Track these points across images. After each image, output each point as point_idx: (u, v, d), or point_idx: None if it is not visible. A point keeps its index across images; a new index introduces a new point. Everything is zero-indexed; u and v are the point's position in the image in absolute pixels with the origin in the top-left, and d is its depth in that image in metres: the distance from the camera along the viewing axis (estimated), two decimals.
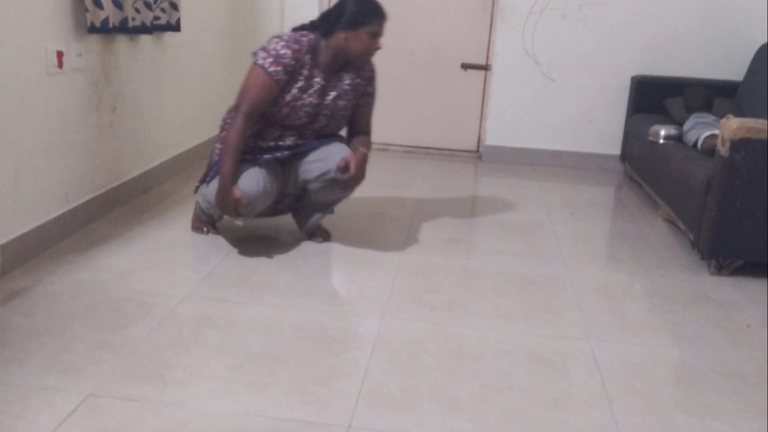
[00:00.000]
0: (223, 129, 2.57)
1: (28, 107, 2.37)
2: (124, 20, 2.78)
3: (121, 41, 2.95)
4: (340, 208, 3.30)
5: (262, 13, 4.29)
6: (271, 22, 4.30)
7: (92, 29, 2.61)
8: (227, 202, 2.41)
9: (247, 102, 2.41)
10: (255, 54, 2.47)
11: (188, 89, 3.72)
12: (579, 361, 1.99)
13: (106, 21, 2.63)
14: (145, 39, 3.15)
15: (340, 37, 2.44)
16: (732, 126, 2.51)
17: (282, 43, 2.42)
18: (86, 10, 2.58)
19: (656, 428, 1.69)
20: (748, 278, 2.67)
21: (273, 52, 2.41)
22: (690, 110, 3.40)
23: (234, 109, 2.46)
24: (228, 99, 4.35)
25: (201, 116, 3.96)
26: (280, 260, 2.59)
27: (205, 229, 2.78)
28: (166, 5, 3.21)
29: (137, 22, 2.93)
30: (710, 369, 1.98)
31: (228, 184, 2.39)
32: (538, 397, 1.79)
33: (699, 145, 3.08)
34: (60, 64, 2.52)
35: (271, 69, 2.40)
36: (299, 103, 2.47)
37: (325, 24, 2.47)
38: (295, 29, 2.55)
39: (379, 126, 4.58)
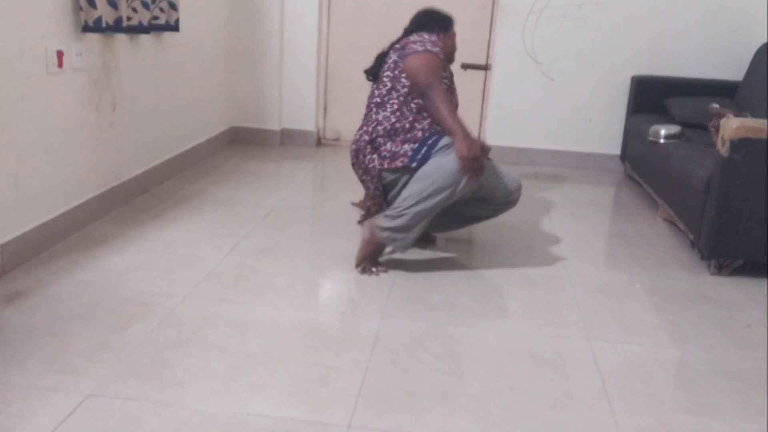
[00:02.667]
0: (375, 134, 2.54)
1: (28, 107, 2.37)
2: (119, 19, 2.77)
3: (121, 41, 2.95)
4: (341, 207, 3.31)
5: (261, 13, 4.29)
6: (270, 22, 4.30)
7: (86, 28, 2.61)
8: (476, 149, 2.26)
9: (437, 78, 2.42)
10: (411, 47, 2.52)
11: (188, 89, 3.72)
12: (579, 361, 1.99)
13: (99, 20, 2.63)
14: (145, 38, 3.15)
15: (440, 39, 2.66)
16: (732, 126, 2.51)
17: (432, 40, 2.57)
18: (80, 9, 2.58)
19: (656, 428, 1.69)
20: (748, 278, 2.67)
21: (433, 45, 2.52)
22: None
23: (422, 90, 2.41)
24: (228, 98, 4.38)
25: (201, 116, 3.96)
26: (280, 260, 2.59)
27: (374, 269, 2.50)
28: (164, 5, 3.21)
29: (134, 22, 2.92)
30: (710, 369, 1.98)
31: (470, 134, 2.31)
32: (538, 397, 1.79)
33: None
34: (60, 64, 2.52)
35: (442, 56, 2.53)
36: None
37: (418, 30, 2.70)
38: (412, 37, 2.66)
39: None
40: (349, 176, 3.94)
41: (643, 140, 3.59)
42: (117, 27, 2.78)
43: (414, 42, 2.54)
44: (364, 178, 2.61)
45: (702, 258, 2.77)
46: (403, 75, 2.50)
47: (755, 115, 3.36)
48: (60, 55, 2.51)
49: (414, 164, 2.40)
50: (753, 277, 2.68)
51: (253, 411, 1.65)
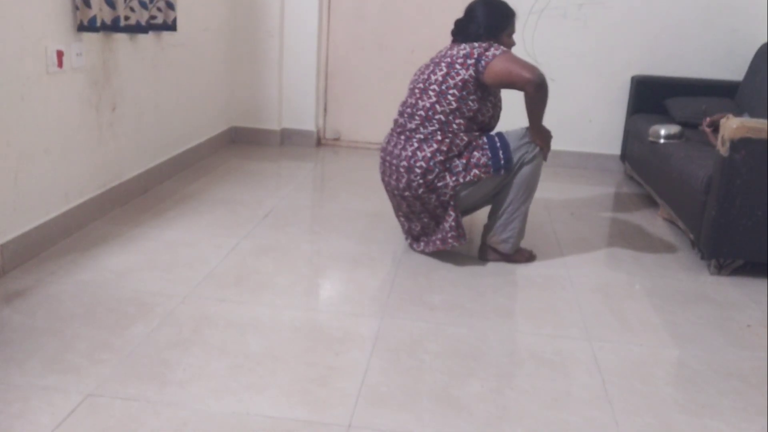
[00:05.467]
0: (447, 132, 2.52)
1: (28, 107, 2.37)
2: (116, 19, 2.77)
3: (121, 41, 2.95)
4: (341, 207, 3.31)
5: (261, 13, 4.29)
6: (270, 22, 4.30)
7: (81, 27, 2.61)
8: (550, 138, 2.72)
9: (528, 65, 2.47)
10: (485, 53, 2.47)
11: (188, 89, 3.72)
12: (579, 361, 1.99)
13: (93, 20, 2.62)
14: (145, 38, 3.15)
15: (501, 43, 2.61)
16: (732, 126, 2.51)
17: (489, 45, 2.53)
18: (76, 8, 2.58)
19: (656, 428, 1.69)
20: (748, 278, 2.67)
21: (497, 48, 2.50)
22: None
23: (523, 78, 2.46)
24: (228, 98, 4.37)
25: (201, 116, 3.96)
26: (280, 260, 2.59)
27: (530, 255, 2.73)
28: (162, 5, 3.20)
29: (131, 21, 2.92)
30: (710, 369, 1.98)
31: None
32: (538, 397, 1.79)
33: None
34: (60, 64, 2.52)
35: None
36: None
37: (464, 35, 2.61)
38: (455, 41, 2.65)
39: (379, 125, 4.59)
40: (349, 176, 3.96)
41: (643, 140, 3.59)
42: (114, 26, 2.78)
43: (463, 55, 2.49)
44: (425, 195, 2.52)
45: (702, 258, 2.77)
46: (471, 98, 2.49)
47: (755, 115, 3.36)
48: (60, 55, 2.51)
49: (502, 171, 2.52)
50: (753, 277, 2.68)
51: (253, 411, 1.65)
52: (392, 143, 2.63)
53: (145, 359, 1.85)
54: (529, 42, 4.23)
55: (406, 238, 2.77)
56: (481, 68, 2.46)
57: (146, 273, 2.39)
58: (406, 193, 2.55)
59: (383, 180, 2.70)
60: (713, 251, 2.66)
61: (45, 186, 2.52)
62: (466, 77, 2.47)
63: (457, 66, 2.49)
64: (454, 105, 2.48)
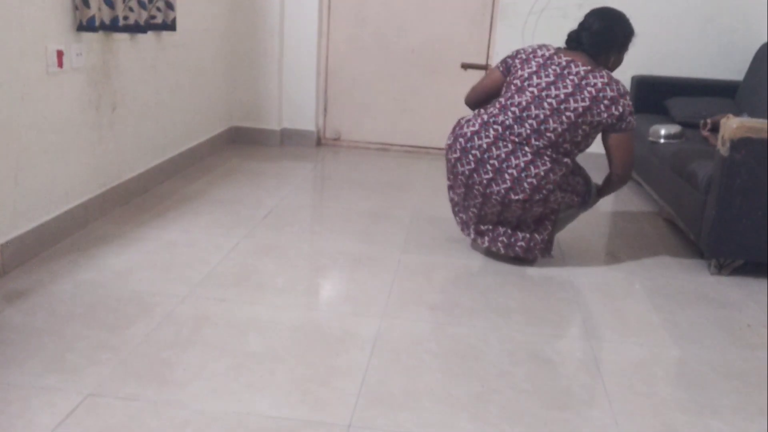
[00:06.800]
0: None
1: (28, 107, 2.37)
2: (115, 19, 2.77)
3: (121, 40, 2.95)
4: (341, 207, 3.31)
5: (261, 13, 4.29)
6: (270, 21, 4.30)
7: (80, 27, 2.61)
8: None
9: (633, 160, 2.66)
10: (629, 116, 2.50)
11: (188, 89, 3.72)
12: (579, 361, 1.99)
13: (92, 19, 2.62)
14: (145, 38, 3.15)
15: (609, 61, 2.63)
16: (732, 126, 2.51)
17: (627, 99, 2.51)
18: (76, 8, 2.58)
19: (656, 428, 1.69)
20: (748, 278, 2.67)
21: (631, 111, 2.52)
22: None
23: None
24: (228, 98, 4.37)
25: (201, 116, 3.96)
26: (280, 260, 2.59)
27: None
28: (161, 4, 3.20)
29: (130, 21, 2.92)
30: (710, 369, 1.99)
31: None
32: (538, 396, 1.79)
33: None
34: (60, 64, 2.52)
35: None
36: None
37: (590, 47, 2.59)
38: (567, 46, 2.67)
39: (379, 126, 4.59)
40: (349, 176, 3.95)
41: (643, 140, 3.59)
42: (113, 26, 2.78)
43: (610, 97, 2.45)
44: (528, 206, 2.51)
45: (702, 258, 2.77)
46: (593, 134, 2.52)
47: (755, 115, 3.36)
48: (60, 55, 2.51)
49: (584, 204, 2.73)
50: (753, 277, 2.68)
51: (253, 411, 1.65)
52: (487, 138, 2.51)
53: (145, 359, 1.85)
54: (529, 42, 4.22)
55: (468, 233, 2.72)
56: (618, 128, 2.49)
57: (146, 273, 2.39)
58: (506, 199, 2.49)
59: (458, 169, 2.57)
60: (713, 251, 2.66)
61: (45, 186, 2.52)
62: (603, 121, 2.47)
63: (602, 107, 2.44)
64: (579, 139, 2.50)
